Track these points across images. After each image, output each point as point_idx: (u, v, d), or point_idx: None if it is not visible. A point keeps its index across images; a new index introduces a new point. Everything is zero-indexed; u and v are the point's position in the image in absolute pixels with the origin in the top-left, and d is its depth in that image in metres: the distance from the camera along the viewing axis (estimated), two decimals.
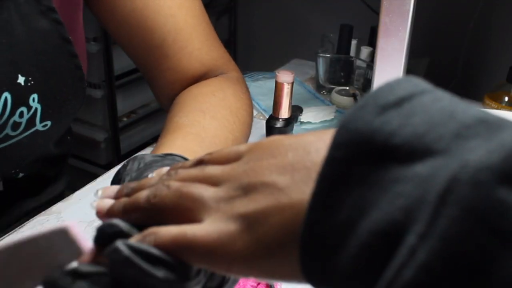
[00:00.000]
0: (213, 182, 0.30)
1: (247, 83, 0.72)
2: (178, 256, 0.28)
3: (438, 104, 0.24)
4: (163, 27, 0.67)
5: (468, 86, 1.26)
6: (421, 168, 0.22)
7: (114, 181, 0.44)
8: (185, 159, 0.46)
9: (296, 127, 0.90)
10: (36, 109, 0.58)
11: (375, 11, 0.96)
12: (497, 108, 0.91)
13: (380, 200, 0.22)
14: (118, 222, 0.31)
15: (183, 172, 0.32)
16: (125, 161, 0.46)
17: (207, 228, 0.27)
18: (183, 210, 0.29)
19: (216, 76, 0.72)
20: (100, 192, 0.35)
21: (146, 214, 0.31)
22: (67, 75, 0.62)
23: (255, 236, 0.26)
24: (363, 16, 1.16)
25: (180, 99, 0.67)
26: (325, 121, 0.94)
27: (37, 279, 0.30)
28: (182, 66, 0.70)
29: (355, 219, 0.23)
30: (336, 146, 0.24)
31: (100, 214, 0.33)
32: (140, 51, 0.69)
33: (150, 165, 0.43)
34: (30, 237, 0.30)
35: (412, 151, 0.22)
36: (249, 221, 0.27)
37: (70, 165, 1.76)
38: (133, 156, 0.47)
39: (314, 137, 0.28)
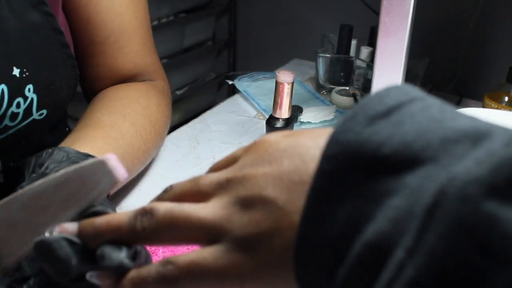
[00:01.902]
0: (208, 191, 0.30)
1: (246, 83, 0.72)
2: (195, 282, 0.28)
3: (427, 112, 0.24)
4: (110, 24, 0.68)
5: (468, 86, 1.26)
6: (410, 179, 0.22)
7: (31, 163, 0.46)
8: None
9: (296, 127, 0.90)
10: (32, 99, 0.60)
11: (375, 11, 0.96)
12: (497, 108, 0.91)
13: (371, 213, 0.22)
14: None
15: (178, 188, 0.32)
16: (51, 148, 0.48)
17: (215, 254, 0.28)
18: (181, 232, 0.29)
19: (144, 81, 0.73)
20: None
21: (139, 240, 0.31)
22: (59, 64, 0.63)
23: (259, 259, 0.26)
24: (363, 16, 1.16)
25: (105, 96, 0.69)
26: (325, 121, 0.94)
27: (78, 208, 0.33)
28: (116, 65, 0.71)
29: (347, 232, 0.23)
30: (326, 159, 0.24)
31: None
32: (80, 45, 0.70)
33: (76, 162, 0.45)
34: (70, 171, 0.33)
35: (401, 161, 0.22)
36: (252, 244, 0.27)
37: None
38: (59, 146, 0.49)
39: (310, 141, 0.27)
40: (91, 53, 0.70)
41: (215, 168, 0.33)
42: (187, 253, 0.29)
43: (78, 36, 0.69)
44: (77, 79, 0.67)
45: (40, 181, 0.33)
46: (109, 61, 0.71)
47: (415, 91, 0.25)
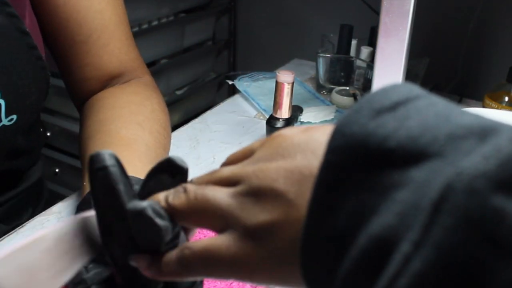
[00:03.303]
0: (225, 183, 0.30)
1: (247, 83, 0.72)
2: (207, 268, 0.30)
3: (433, 108, 0.24)
4: (91, 22, 0.67)
5: (468, 86, 1.26)
6: (416, 173, 0.22)
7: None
8: None
9: None
10: (0, 105, 0.58)
11: (375, 11, 0.96)
12: (497, 108, 0.91)
13: (376, 206, 0.22)
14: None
15: (196, 179, 0.33)
16: None
17: (227, 242, 0.29)
18: (200, 214, 0.30)
19: (132, 78, 0.72)
20: None
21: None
22: (28, 67, 0.61)
23: (268, 249, 0.27)
24: (363, 16, 1.16)
25: (107, 103, 0.67)
26: (325, 121, 0.94)
27: (93, 255, 0.35)
28: (102, 63, 0.70)
29: (352, 225, 0.23)
30: (332, 151, 0.24)
31: None
32: (64, 46, 0.69)
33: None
34: (87, 215, 0.34)
35: (407, 155, 0.22)
36: (261, 233, 0.27)
37: (70, 165, 1.75)
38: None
39: (323, 136, 0.28)
40: (75, 53, 0.69)
41: (231, 159, 0.34)
42: (203, 239, 0.30)
43: (60, 37, 0.68)
44: (48, 81, 0.66)
45: (63, 224, 0.34)
46: (94, 60, 0.69)
47: (420, 90, 0.25)
